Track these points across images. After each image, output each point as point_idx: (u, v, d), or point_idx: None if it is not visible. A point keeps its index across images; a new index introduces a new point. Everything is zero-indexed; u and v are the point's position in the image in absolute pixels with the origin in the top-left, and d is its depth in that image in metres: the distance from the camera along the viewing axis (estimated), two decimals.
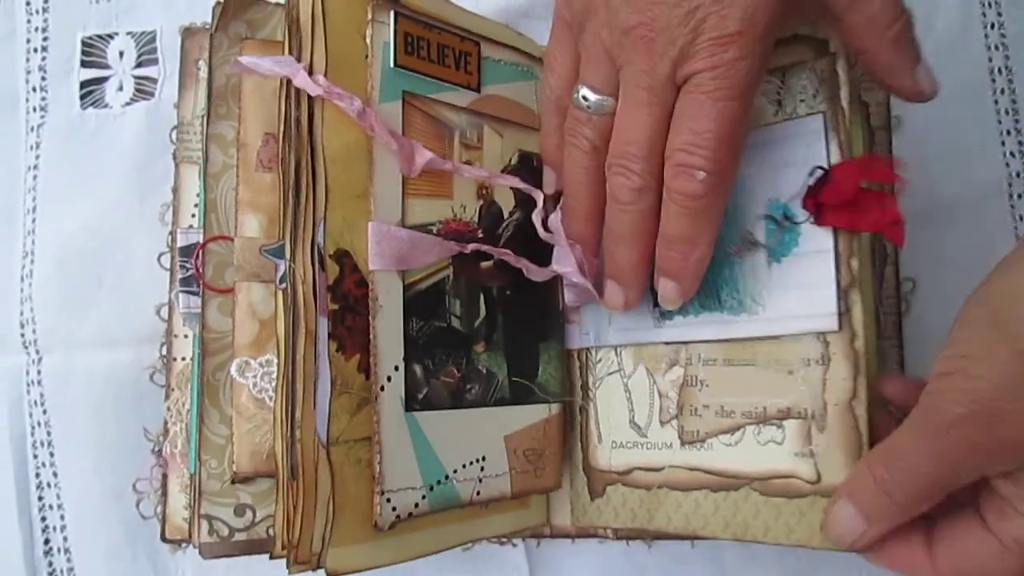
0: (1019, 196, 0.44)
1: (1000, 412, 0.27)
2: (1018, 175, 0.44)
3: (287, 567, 0.33)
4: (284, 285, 0.34)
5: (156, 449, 0.47)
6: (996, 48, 0.46)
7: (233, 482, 0.38)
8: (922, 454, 0.29)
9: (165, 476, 0.43)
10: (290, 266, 0.34)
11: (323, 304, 0.33)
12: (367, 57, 0.36)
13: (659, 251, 0.35)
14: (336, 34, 0.35)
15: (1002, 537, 0.30)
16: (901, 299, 0.41)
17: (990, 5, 0.47)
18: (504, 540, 0.44)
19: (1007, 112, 0.46)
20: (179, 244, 0.43)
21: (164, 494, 0.43)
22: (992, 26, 0.47)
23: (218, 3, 0.42)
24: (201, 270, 0.41)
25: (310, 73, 0.34)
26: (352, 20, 0.35)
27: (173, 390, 0.43)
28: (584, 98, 0.35)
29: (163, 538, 0.42)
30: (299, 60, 0.34)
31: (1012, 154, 0.45)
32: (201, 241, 0.42)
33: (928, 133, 0.45)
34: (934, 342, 0.42)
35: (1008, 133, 0.46)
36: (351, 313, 0.33)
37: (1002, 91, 0.46)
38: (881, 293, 0.41)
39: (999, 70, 0.46)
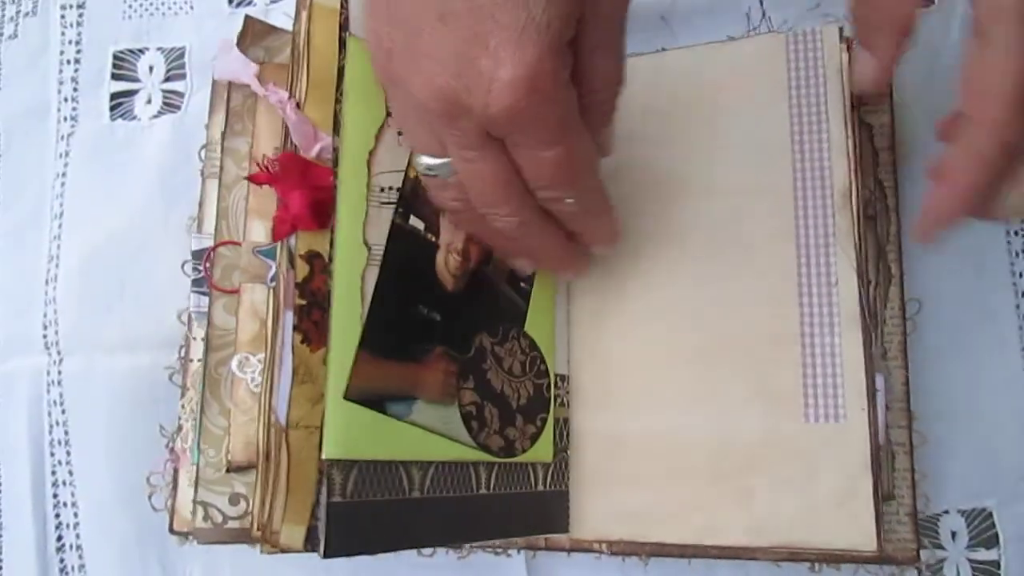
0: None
1: None
2: None
3: (260, 550, 0.34)
4: (274, 284, 0.38)
5: (169, 445, 0.48)
6: None
7: (228, 471, 0.39)
8: None
9: (176, 470, 0.44)
10: (278, 267, 0.37)
11: (289, 299, 0.35)
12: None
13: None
14: (319, 63, 0.38)
15: None
16: (907, 320, 0.42)
17: None
18: (500, 550, 0.45)
19: None
20: (193, 248, 0.45)
21: (174, 487, 0.44)
22: None
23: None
24: (210, 272, 0.43)
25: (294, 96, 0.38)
26: (332, 52, 0.37)
27: (188, 389, 0.45)
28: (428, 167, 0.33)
29: (171, 530, 0.43)
30: (295, 80, 0.38)
31: None
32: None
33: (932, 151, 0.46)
34: (939, 363, 0.43)
35: None
36: (319, 308, 0.35)
37: None
38: (885, 313, 0.41)
39: None
